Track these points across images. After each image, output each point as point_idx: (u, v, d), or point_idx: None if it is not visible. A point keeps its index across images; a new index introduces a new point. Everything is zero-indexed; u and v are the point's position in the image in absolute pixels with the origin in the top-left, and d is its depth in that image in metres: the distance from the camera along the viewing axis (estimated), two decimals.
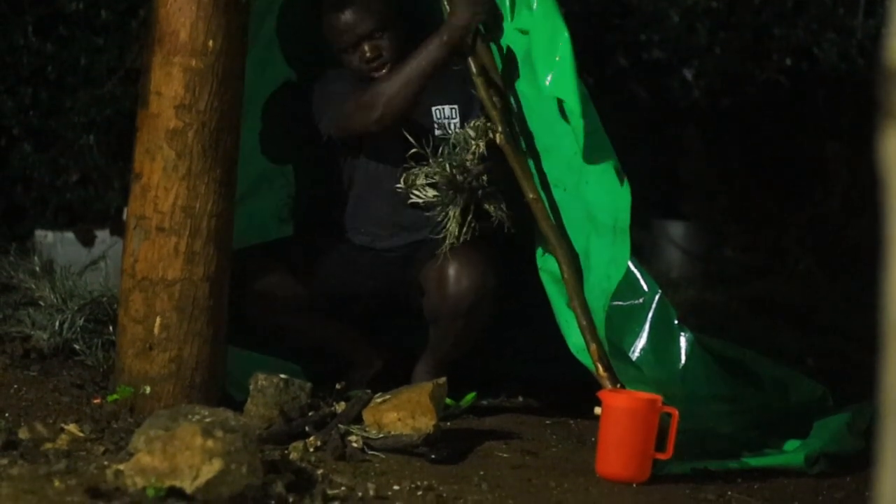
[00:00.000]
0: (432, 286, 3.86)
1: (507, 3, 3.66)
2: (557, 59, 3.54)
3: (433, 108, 3.95)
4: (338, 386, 3.86)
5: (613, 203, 3.51)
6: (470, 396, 3.78)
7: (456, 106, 3.95)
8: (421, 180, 3.76)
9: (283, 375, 3.69)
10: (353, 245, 4.05)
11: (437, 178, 3.75)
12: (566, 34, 3.55)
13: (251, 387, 3.66)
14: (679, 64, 7.78)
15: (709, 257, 7.46)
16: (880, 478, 1.26)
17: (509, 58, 3.72)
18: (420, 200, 3.78)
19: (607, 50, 7.76)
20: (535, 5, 3.60)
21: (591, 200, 3.57)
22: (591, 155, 3.54)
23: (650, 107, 7.78)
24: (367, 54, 3.85)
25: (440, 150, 3.77)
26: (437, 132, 3.93)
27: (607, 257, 3.54)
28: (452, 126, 3.92)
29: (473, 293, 3.79)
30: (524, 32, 3.62)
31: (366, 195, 4.01)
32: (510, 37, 3.67)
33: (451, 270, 3.80)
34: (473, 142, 3.70)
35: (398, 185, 3.81)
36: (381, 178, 3.97)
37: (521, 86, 3.69)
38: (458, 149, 3.75)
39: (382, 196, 3.96)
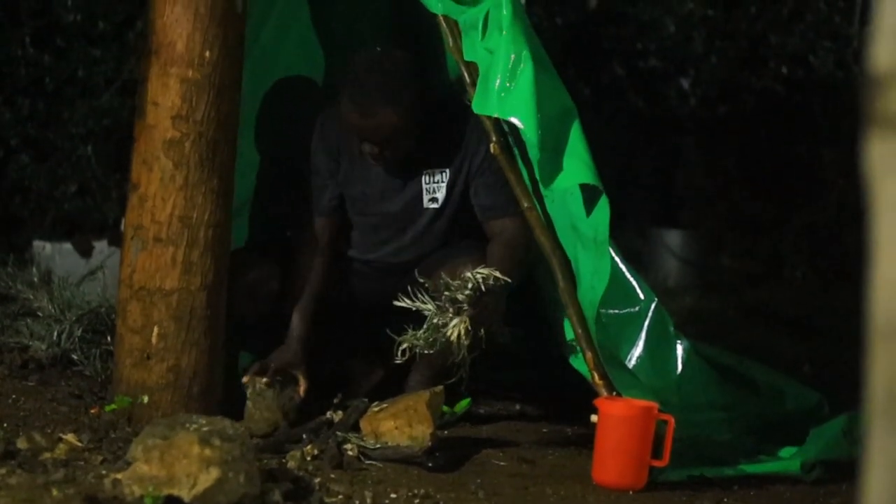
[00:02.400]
0: None
1: (481, 22, 3.67)
2: (509, 85, 3.55)
3: (424, 173, 3.95)
4: (335, 400, 3.85)
5: (594, 215, 3.53)
6: (464, 402, 3.79)
7: (447, 170, 3.95)
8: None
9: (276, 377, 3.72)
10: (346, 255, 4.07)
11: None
12: (530, 64, 3.55)
13: (248, 391, 3.67)
14: (675, 73, 7.80)
15: (705, 265, 7.47)
16: (867, 481, 1.28)
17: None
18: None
19: (604, 59, 7.78)
20: (504, 29, 3.61)
21: (574, 212, 3.59)
22: (552, 178, 3.56)
23: (647, 115, 7.79)
24: (369, 150, 3.84)
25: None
26: (425, 196, 3.95)
27: (591, 269, 3.57)
28: (441, 192, 3.93)
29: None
30: (491, 52, 3.64)
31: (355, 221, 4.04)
32: (480, 54, 3.69)
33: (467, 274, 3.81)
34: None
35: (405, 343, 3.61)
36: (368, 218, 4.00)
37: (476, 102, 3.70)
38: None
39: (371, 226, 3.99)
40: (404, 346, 3.60)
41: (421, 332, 3.57)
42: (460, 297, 3.56)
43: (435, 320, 3.56)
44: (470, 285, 3.57)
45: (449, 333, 3.54)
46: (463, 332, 3.53)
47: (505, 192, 3.82)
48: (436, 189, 3.94)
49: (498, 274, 3.58)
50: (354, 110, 3.75)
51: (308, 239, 3.96)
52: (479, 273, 3.59)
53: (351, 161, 3.97)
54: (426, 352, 3.58)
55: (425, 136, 3.90)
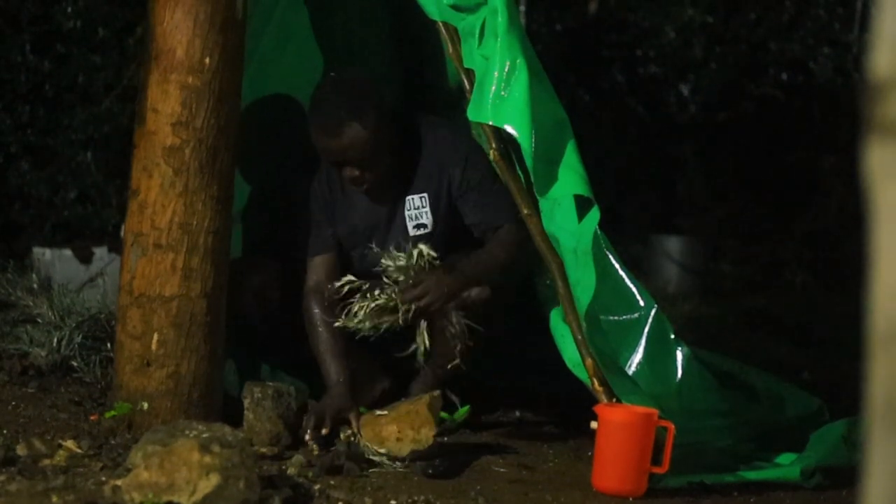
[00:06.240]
0: None
1: (478, 29, 3.68)
2: (503, 92, 3.56)
3: (407, 198, 3.96)
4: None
5: (579, 227, 3.53)
6: (463, 410, 3.80)
7: (425, 195, 3.95)
8: (359, 314, 3.71)
9: (269, 383, 3.71)
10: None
11: (375, 305, 3.71)
12: (525, 72, 3.56)
13: (247, 399, 3.66)
14: (675, 79, 7.81)
15: (705, 272, 7.48)
16: (867, 487, 1.28)
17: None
18: (369, 333, 3.73)
19: (603, 65, 7.79)
20: (499, 36, 3.61)
21: (558, 224, 3.60)
22: (546, 186, 3.57)
23: (646, 122, 7.80)
24: (349, 175, 3.83)
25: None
26: (409, 223, 3.95)
27: (573, 280, 3.57)
28: (426, 217, 3.93)
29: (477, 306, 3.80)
30: (486, 59, 3.65)
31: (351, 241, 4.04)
32: (477, 61, 3.69)
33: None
34: (404, 269, 3.71)
35: (339, 324, 3.75)
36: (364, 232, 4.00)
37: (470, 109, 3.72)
38: (392, 278, 3.73)
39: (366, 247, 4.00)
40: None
41: (362, 313, 3.68)
42: (395, 273, 3.68)
43: (375, 302, 3.66)
44: (406, 260, 3.68)
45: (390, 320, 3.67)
46: (401, 317, 3.65)
47: (491, 205, 3.84)
48: (419, 215, 3.95)
49: (432, 253, 3.70)
50: (322, 135, 3.76)
51: (315, 283, 3.91)
52: (418, 248, 3.69)
53: (335, 199, 3.97)
54: (370, 334, 3.70)
55: (401, 158, 3.90)
